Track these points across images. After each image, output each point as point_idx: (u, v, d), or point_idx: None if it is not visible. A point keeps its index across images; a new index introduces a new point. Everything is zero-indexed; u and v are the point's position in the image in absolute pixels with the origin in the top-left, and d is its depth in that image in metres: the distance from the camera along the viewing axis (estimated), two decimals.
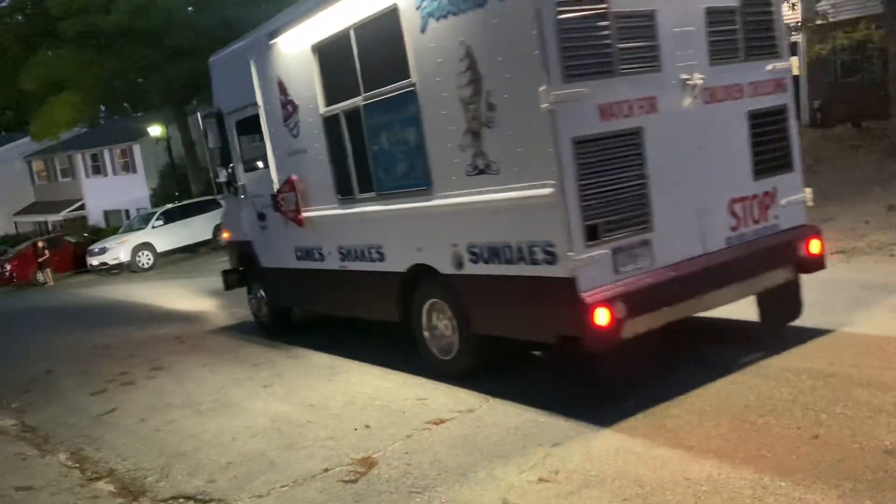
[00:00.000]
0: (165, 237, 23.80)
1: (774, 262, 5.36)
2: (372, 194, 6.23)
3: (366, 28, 5.87)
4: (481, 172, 5.03)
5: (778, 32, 5.53)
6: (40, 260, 24.94)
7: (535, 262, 4.75)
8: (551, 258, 4.61)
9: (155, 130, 29.00)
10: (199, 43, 25.44)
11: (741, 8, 5.22)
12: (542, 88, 4.38)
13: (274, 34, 7.07)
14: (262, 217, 8.16)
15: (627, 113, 4.68)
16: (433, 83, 5.26)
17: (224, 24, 23.19)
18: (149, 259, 23.28)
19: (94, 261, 23.59)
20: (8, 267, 25.62)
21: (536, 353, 5.91)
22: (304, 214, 7.27)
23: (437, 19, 5.15)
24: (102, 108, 36.75)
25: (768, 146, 5.36)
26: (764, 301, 5.65)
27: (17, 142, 41.92)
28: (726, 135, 5.18)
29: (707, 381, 4.81)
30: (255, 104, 7.67)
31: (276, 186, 7.62)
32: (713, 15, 5.09)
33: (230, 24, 23.22)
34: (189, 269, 20.05)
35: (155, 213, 24.96)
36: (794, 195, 5.48)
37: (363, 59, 5.98)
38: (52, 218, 38.04)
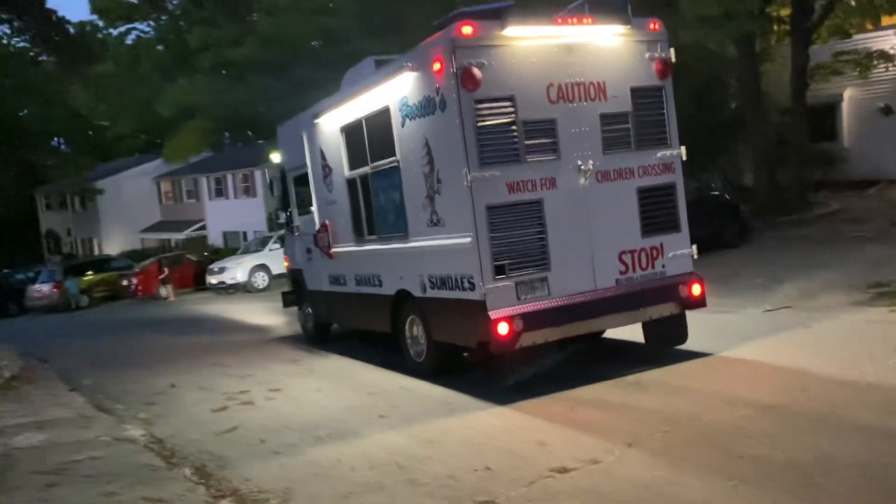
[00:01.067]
0: (280, 260, 24.60)
1: (659, 299, 7.15)
2: (374, 237, 8.57)
3: (371, 119, 8.14)
4: (435, 225, 7.17)
5: (668, 127, 7.33)
6: (162, 276, 26.35)
7: (464, 289, 6.78)
8: (472, 287, 6.63)
9: (276, 158, 30.24)
10: (323, 75, 26.55)
11: (633, 112, 7.13)
12: (464, 171, 6.43)
13: (317, 115, 9.39)
14: (308, 251, 10.68)
15: (531, 189, 6.67)
16: (409, 161, 7.45)
17: (347, 57, 24.00)
18: (264, 280, 24.12)
19: (213, 279, 24.67)
20: (134, 281, 27.16)
21: (465, 354, 7.54)
22: (334, 249, 9.69)
23: (411, 119, 7.29)
24: (227, 134, 38.76)
25: (655, 213, 7.17)
26: (650, 328, 7.50)
27: (148, 163, 44.73)
28: (617, 204, 7.06)
29: (593, 382, 6.73)
30: (305, 165, 10.14)
31: (317, 227, 10.01)
32: (607, 118, 7.03)
33: (354, 57, 23.98)
34: None
35: (272, 236, 25.89)
36: (680, 250, 7.29)
37: (370, 140, 8.27)
38: (176, 236, 40.15)
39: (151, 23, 29.20)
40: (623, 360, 7.48)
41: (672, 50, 7.43)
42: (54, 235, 49.09)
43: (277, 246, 24.78)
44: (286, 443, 6.01)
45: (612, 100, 7.10)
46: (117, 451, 6.21)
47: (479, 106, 6.52)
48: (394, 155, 7.76)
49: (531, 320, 6.57)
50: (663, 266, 7.26)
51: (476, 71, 6.51)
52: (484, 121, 6.54)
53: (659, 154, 7.30)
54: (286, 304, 12.12)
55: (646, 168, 7.23)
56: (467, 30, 6.53)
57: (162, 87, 26.84)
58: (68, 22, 13.32)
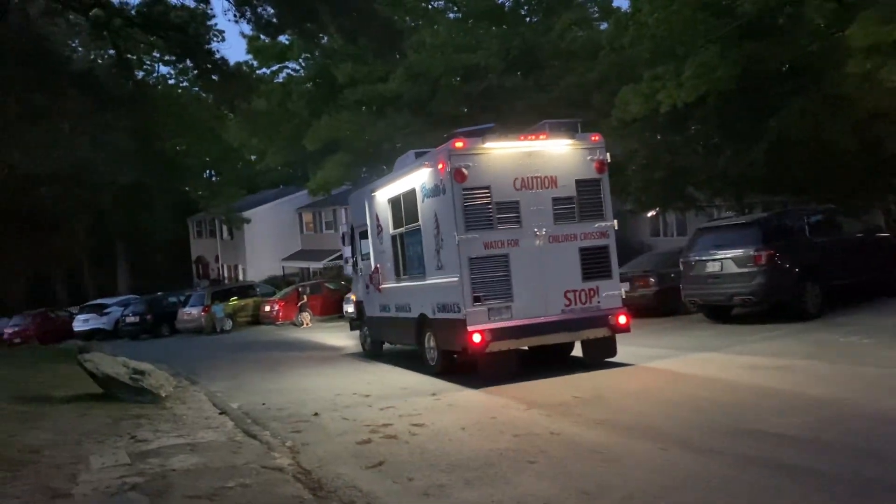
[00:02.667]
0: None
1: (594, 325, 10.24)
2: (406, 276, 12.00)
3: (406, 195, 11.62)
4: (440, 269, 10.52)
5: (604, 206, 10.39)
6: (301, 303, 27.24)
7: (453, 312, 10.11)
8: (458, 310, 9.95)
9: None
10: (462, 111, 26.91)
11: (577, 196, 10.22)
12: (455, 233, 9.84)
13: (374, 190, 13.19)
14: (367, 286, 14.24)
15: (500, 246, 9.94)
16: (426, 225, 10.90)
17: (487, 94, 24.32)
18: None
19: (348, 308, 25.20)
20: (276, 307, 28.25)
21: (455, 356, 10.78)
22: (382, 286, 13.17)
23: (427, 198, 10.78)
24: (364, 169, 39.94)
25: (593, 264, 10.24)
26: (587, 345, 10.64)
27: (291, 195, 46.92)
28: (564, 257, 10.16)
29: (542, 377, 9.88)
30: (366, 224, 13.72)
31: (372, 269, 13.57)
32: (557, 200, 10.16)
33: (492, 94, 24.31)
34: None
35: None
36: (612, 291, 10.37)
37: (405, 210, 11.71)
38: (314, 265, 41.65)
39: (301, 61, 30.74)
40: (567, 366, 10.73)
41: (608, 154, 10.48)
42: (203, 261, 52.24)
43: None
44: (435, 483, 5.78)
45: (561, 188, 10.24)
46: (266, 480, 6.20)
47: (466, 192, 9.92)
48: (417, 221, 11.27)
49: (497, 334, 9.90)
50: (598, 302, 10.32)
51: (464, 170, 9.88)
52: (469, 202, 9.94)
53: (596, 225, 10.39)
54: (352, 328, 16.58)
55: (586, 234, 10.34)
56: (459, 144, 9.99)
57: (308, 123, 28.07)
58: (227, 62, 14.06)
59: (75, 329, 33.52)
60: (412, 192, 11.27)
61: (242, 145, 41.51)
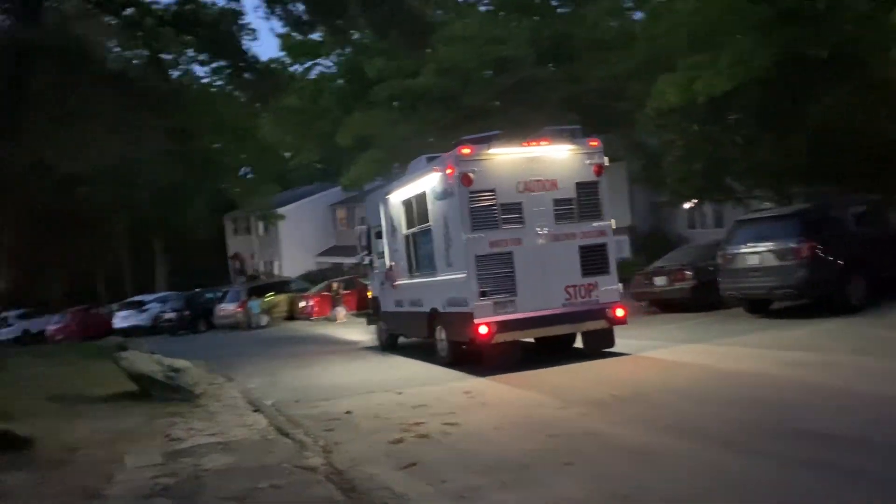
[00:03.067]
0: None
1: (593, 317, 10.87)
2: (418, 274, 12.67)
3: (417, 198, 12.25)
4: (449, 266, 11.10)
5: (602, 207, 10.98)
6: (335, 298, 27.33)
7: (462, 306, 10.76)
8: (466, 304, 10.62)
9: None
10: (493, 104, 26.71)
11: (577, 198, 10.84)
12: (462, 233, 10.50)
13: (388, 193, 13.86)
14: (382, 283, 14.79)
15: (505, 245, 10.56)
16: (436, 226, 11.52)
17: (519, 87, 24.07)
18: None
19: None
20: (311, 302, 28.39)
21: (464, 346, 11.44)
22: (397, 283, 13.75)
23: (437, 200, 11.39)
24: (396, 164, 39.92)
25: (591, 261, 10.80)
26: (587, 336, 11.31)
27: (325, 191, 47.15)
28: (565, 255, 10.77)
29: (548, 365, 10.71)
30: (381, 225, 14.36)
31: (387, 267, 14.16)
32: (558, 201, 10.79)
33: (524, 86, 24.06)
34: None
35: None
36: (610, 286, 10.95)
37: (417, 211, 12.35)
38: (347, 260, 41.80)
39: (333, 58, 30.79)
40: (570, 356, 11.32)
41: (606, 158, 11.15)
42: (240, 258, 52.77)
43: None
44: (469, 486, 5.66)
45: (562, 190, 10.88)
46: (298, 481, 6.14)
47: (472, 195, 10.59)
48: (428, 221, 11.93)
49: (503, 326, 10.54)
50: (597, 296, 10.92)
51: (470, 174, 10.52)
52: (475, 203, 10.60)
53: (594, 224, 11.00)
54: (369, 322, 16.81)
55: (585, 233, 10.95)
56: (466, 150, 10.59)
57: (340, 119, 28.12)
58: (258, 60, 14.07)
59: (115, 326, 34.11)
60: (423, 195, 12.00)
61: (276, 143, 41.83)
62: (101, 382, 12.26)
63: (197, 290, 36.79)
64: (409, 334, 14.60)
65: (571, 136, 11.04)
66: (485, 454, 6.49)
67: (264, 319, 28.89)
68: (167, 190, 40.77)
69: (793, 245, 12.46)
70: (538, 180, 10.79)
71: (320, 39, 30.00)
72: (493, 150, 10.69)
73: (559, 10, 28.41)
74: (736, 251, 13.37)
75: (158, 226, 44.72)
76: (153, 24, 13.47)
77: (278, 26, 25.34)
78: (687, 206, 24.24)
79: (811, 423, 6.34)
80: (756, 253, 13.01)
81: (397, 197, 13.30)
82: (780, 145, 17.13)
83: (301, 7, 12.63)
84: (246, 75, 13.75)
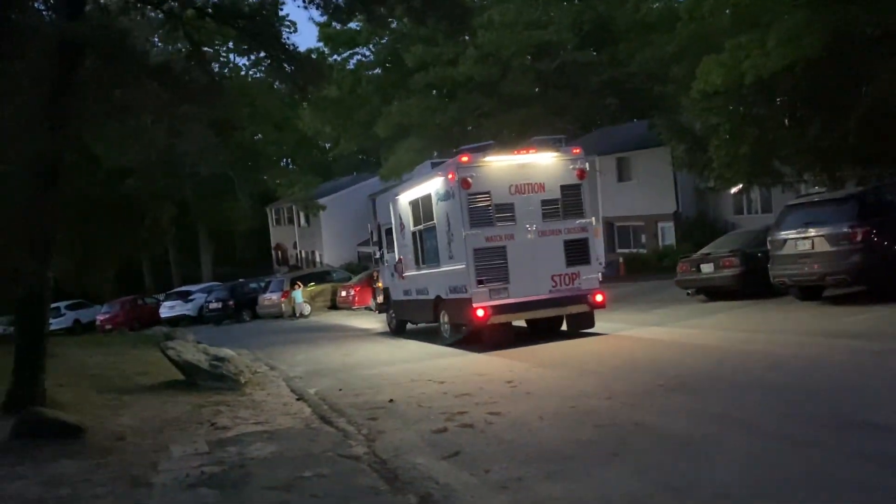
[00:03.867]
0: None
1: (576, 302, 12.49)
2: (425, 265, 14.12)
3: (423, 199, 13.79)
4: (451, 258, 12.63)
5: (584, 205, 12.66)
6: (374, 288, 27.36)
7: (462, 293, 12.28)
8: (465, 291, 12.13)
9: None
10: (534, 91, 26.43)
11: (561, 198, 12.41)
12: (462, 230, 11.99)
13: (397, 194, 15.63)
14: (392, 275, 16.34)
15: (499, 239, 12.08)
16: (439, 223, 13.04)
17: (559, 72, 23.79)
18: None
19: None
20: (352, 292, 28.54)
21: (464, 328, 12.99)
22: (405, 274, 15.31)
23: (440, 201, 12.92)
24: (435, 153, 39.85)
25: (574, 254, 12.42)
26: (570, 318, 12.99)
27: (364, 181, 47.32)
28: (551, 248, 12.34)
29: (533, 344, 12.28)
30: (391, 222, 15.91)
31: (396, 260, 15.70)
32: (545, 202, 12.34)
33: (565, 71, 23.77)
34: None
35: None
36: (590, 275, 12.56)
37: (423, 210, 13.88)
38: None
39: (371, 47, 30.79)
40: (556, 336, 13.05)
41: (587, 163, 12.80)
42: (282, 248, 53.38)
43: None
44: (513, 476, 5.57)
45: (548, 191, 12.41)
46: (342, 469, 6.13)
47: (471, 196, 12.11)
48: (433, 220, 13.50)
49: (497, 309, 12.09)
50: (579, 283, 12.49)
51: (469, 179, 12.08)
52: (473, 204, 12.13)
53: (577, 222, 12.60)
54: (380, 311, 18.58)
55: (569, 229, 12.50)
56: (465, 159, 12.25)
57: (379, 109, 28.13)
58: (299, 51, 14.04)
59: (162, 315, 34.74)
60: (428, 197, 13.63)
61: (316, 133, 42.07)
62: (148, 371, 12.49)
63: (240, 280, 37.27)
64: (416, 320, 15.98)
65: (556, 145, 12.87)
66: (529, 444, 6.39)
67: (307, 309, 29.13)
68: (211, 181, 41.37)
69: (846, 230, 12.05)
70: (528, 183, 12.38)
71: (358, 29, 30.01)
72: (488, 158, 12.39)
73: None
74: (786, 236, 13.00)
75: (203, 217, 45.43)
76: (194, 17, 13.51)
77: (317, 15, 25.46)
78: (733, 191, 23.68)
79: (870, 414, 6.11)
80: (808, 238, 12.62)
81: (405, 198, 14.99)
82: (831, 127, 16.56)
83: None
84: (286, 66, 13.72)
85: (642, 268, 26.36)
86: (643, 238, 30.34)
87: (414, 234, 14.54)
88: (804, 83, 16.69)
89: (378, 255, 17.59)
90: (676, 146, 21.64)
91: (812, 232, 12.56)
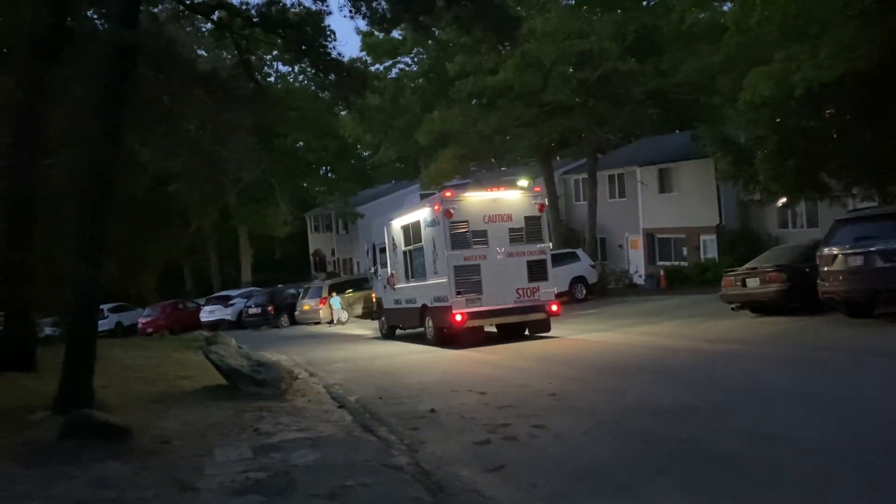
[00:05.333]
0: None
1: (535, 311, 15.32)
2: (413, 279, 16.87)
3: (413, 224, 16.67)
4: (436, 273, 15.58)
5: (543, 233, 15.74)
6: None
7: (443, 301, 15.16)
8: (447, 300, 15.02)
9: (522, 183, 30.29)
10: (574, 100, 26.26)
11: (525, 227, 15.29)
12: (445, 251, 15.00)
13: (391, 220, 18.38)
14: (384, 287, 19.15)
15: (475, 259, 14.99)
16: (427, 245, 15.93)
17: (601, 81, 23.63)
18: None
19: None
20: None
21: (444, 330, 15.62)
22: (396, 286, 18.11)
23: (427, 227, 15.90)
24: (472, 162, 39.79)
25: (535, 272, 15.24)
26: (531, 324, 15.66)
27: (403, 189, 47.48)
28: (517, 267, 15.13)
29: (501, 344, 15.19)
30: (384, 243, 18.90)
31: (389, 274, 18.66)
32: (512, 230, 15.19)
33: (608, 80, 23.59)
34: None
35: None
36: (548, 289, 15.39)
37: (413, 234, 16.70)
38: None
39: (413, 56, 30.97)
40: (519, 337, 15.65)
41: (546, 199, 16.66)
42: (320, 255, 53.81)
43: None
44: (560, 491, 5.49)
45: (515, 221, 15.21)
46: (386, 480, 6.10)
47: (452, 224, 14.88)
48: (421, 241, 16.29)
49: (472, 315, 14.84)
50: (539, 296, 15.26)
51: (451, 210, 14.89)
52: (454, 230, 14.89)
53: (538, 246, 15.43)
54: (373, 317, 21.81)
55: (531, 252, 15.28)
56: (448, 194, 15.26)
57: (420, 117, 28.24)
58: (342, 59, 14.14)
59: (202, 320, 35.20)
60: (418, 223, 16.48)
61: (357, 141, 42.38)
62: (191, 375, 12.62)
63: (279, 285, 37.62)
64: (405, 325, 18.77)
65: (521, 185, 17.35)
66: (575, 459, 6.29)
67: (345, 316, 29.30)
68: (253, 187, 41.91)
69: None
70: (498, 214, 15.22)
71: (401, 38, 30.19)
72: (467, 194, 15.54)
73: (644, 3, 27.70)
74: (837, 251, 12.68)
75: (244, 222, 46.08)
76: (241, 26, 13.70)
77: (363, 24, 25.78)
78: (779, 204, 23.24)
79: None
80: (859, 254, 12.28)
81: (398, 223, 17.93)
82: (882, 140, 16.14)
83: (385, 5, 12.59)
84: (330, 76, 13.83)
85: (684, 281, 25.97)
86: (684, 251, 29.94)
87: (405, 253, 17.38)
88: (854, 95, 16.33)
89: (373, 270, 20.85)
90: (721, 158, 21.31)
91: (864, 247, 12.23)
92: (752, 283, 15.34)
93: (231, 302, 36.22)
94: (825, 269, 12.97)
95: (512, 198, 15.48)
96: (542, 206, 15.66)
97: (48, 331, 16.68)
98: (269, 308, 33.15)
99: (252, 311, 33.81)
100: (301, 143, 49.54)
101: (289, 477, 6.09)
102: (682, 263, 28.76)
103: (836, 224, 13.46)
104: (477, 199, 15.26)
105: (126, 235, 20.95)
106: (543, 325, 15.61)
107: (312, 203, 51.10)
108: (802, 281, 14.29)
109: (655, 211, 30.87)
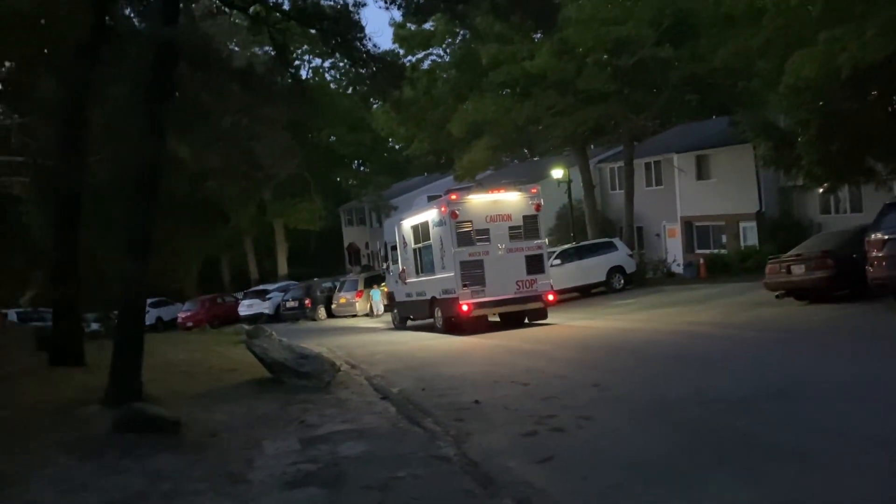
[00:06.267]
0: (560, 276, 24.39)
1: (533, 301, 16.84)
2: (423, 274, 18.61)
3: (422, 224, 18.43)
4: (443, 268, 17.24)
5: (539, 230, 17.18)
6: None
7: (451, 294, 16.83)
8: (454, 292, 16.66)
9: (557, 173, 30.05)
10: (610, 87, 25.94)
11: (523, 225, 16.85)
12: (451, 248, 16.60)
13: (402, 220, 20.36)
14: (396, 281, 20.78)
15: (478, 255, 16.53)
16: (435, 242, 17.69)
17: (638, 68, 23.31)
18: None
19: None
20: None
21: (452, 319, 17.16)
22: (407, 280, 19.72)
23: (435, 226, 17.60)
24: (506, 153, 39.62)
25: (533, 265, 16.79)
26: (529, 313, 17.24)
27: (435, 182, 47.45)
28: (516, 261, 16.69)
29: (503, 331, 16.69)
30: (395, 241, 20.52)
31: (400, 270, 20.14)
32: (511, 227, 16.77)
33: (644, 67, 23.25)
34: (581, 308, 20.11)
35: (554, 252, 25.74)
36: (544, 281, 16.90)
37: (422, 233, 18.49)
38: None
39: (446, 47, 30.87)
40: (519, 325, 17.13)
41: (542, 200, 17.37)
42: (354, 248, 54.05)
43: (558, 262, 24.62)
44: (612, 483, 5.42)
45: (514, 220, 16.75)
46: (435, 472, 6.09)
47: (457, 224, 16.41)
48: (429, 240, 17.94)
49: (477, 305, 16.41)
50: (536, 287, 16.73)
51: (457, 212, 16.40)
52: (459, 229, 16.43)
53: (535, 242, 16.91)
54: (387, 310, 24.18)
55: (528, 247, 16.78)
56: (453, 197, 16.68)
57: (454, 108, 28.16)
58: (377, 52, 14.14)
59: (241, 314, 35.61)
60: (426, 223, 18.13)
61: (390, 134, 42.43)
62: (234, 368, 12.76)
63: (315, 279, 37.89)
64: (416, 316, 20.26)
65: (520, 187, 17.41)
66: (626, 450, 6.21)
67: (381, 308, 29.42)
68: (288, 182, 42.22)
69: None
70: (499, 214, 16.72)
71: (433, 29, 30.09)
72: (470, 196, 16.95)
73: None
74: (886, 236, 12.34)
75: (279, 216, 46.46)
76: (277, 20, 13.74)
77: (398, 15, 25.84)
78: (822, 189, 22.71)
79: None
80: None
81: (408, 223, 19.63)
82: None
83: None
84: (367, 68, 13.83)
85: (724, 269, 25.56)
86: (723, 238, 29.45)
87: (414, 250, 19.08)
88: None
89: (385, 267, 22.48)
90: (762, 143, 20.87)
91: None
92: (798, 270, 15.01)
93: (268, 296, 36.58)
94: (874, 254, 12.63)
95: (511, 199, 16.98)
96: (538, 206, 17.05)
97: (93, 326, 16.98)
98: (306, 301, 33.43)
99: (289, 304, 34.12)
100: (334, 138, 49.73)
101: (339, 469, 6.12)
102: (722, 251, 28.30)
103: (885, 208, 13.09)
104: (479, 201, 16.80)
105: (167, 232, 21.23)
106: (540, 314, 17.15)
107: (346, 197, 51.34)
108: (850, 267, 13.93)
109: (693, 198, 30.39)
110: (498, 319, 17.77)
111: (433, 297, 17.89)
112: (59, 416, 8.21)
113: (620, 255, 25.81)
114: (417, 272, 18.93)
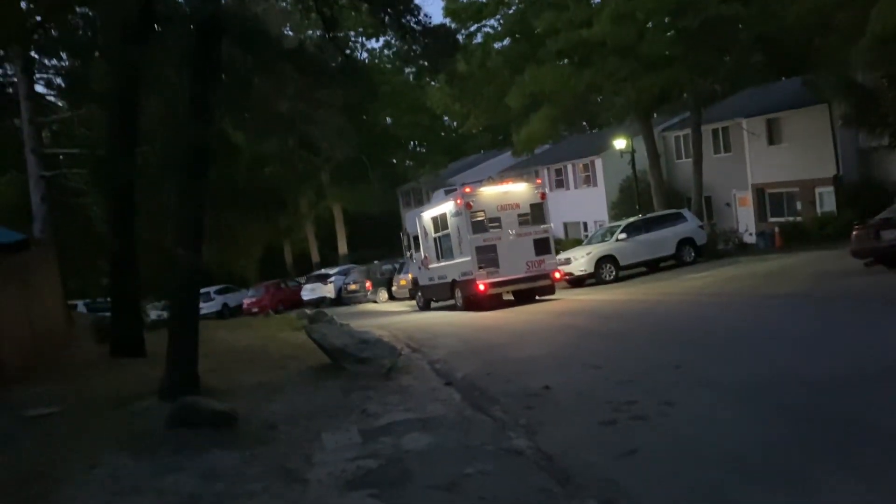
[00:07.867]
0: (628, 250, 23.54)
1: (542, 279, 19.35)
2: (443, 260, 20.93)
3: (440, 216, 20.92)
4: (462, 254, 19.58)
5: (545, 217, 19.58)
6: None
7: (469, 275, 19.15)
8: (471, 274, 19.04)
9: (620, 143, 28.98)
10: (675, 51, 24.73)
11: (531, 212, 19.31)
12: (468, 235, 19.04)
13: (422, 212, 22.85)
14: (419, 268, 22.93)
15: (492, 240, 18.98)
16: (453, 231, 20.06)
17: (703, 29, 22.05)
18: (611, 272, 23.20)
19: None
20: None
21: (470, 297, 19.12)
22: (429, 266, 21.83)
23: (452, 217, 19.98)
24: (563, 126, 38.52)
25: (540, 247, 19.28)
26: (538, 290, 19.63)
27: (492, 159, 46.72)
28: (525, 244, 19.18)
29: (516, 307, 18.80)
30: (417, 231, 22.73)
31: (423, 257, 22.27)
32: (520, 215, 19.25)
33: (710, 27, 21.97)
34: (651, 283, 19.30)
35: (619, 225, 24.84)
36: (551, 261, 19.65)
37: (441, 223, 20.89)
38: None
39: (499, 17, 29.96)
40: (531, 300, 19.21)
41: (547, 189, 23.03)
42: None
43: (624, 236, 23.74)
44: (707, 480, 4.80)
45: (522, 208, 19.01)
46: (506, 467, 5.58)
47: (472, 214, 18.76)
48: (447, 229, 20.15)
49: (492, 285, 18.62)
50: (544, 267, 19.03)
51: (471, 203, 18.77)
52: (474, 219, 18.73)
53: (542, 227, 19.18)
54: (411, 297, 26.33)
55: (536, 232, 19.06)
56: (468, 190, 19.31)
57: (510, 81, 27.37)
58: (430, 25, 13.53)
59: (304, 298, 35.77)
60: (444, 214, 20.33)
61: (446, 111, 41.80)
62: (295, 355, 12.48)
63: (375, 262, 37.76)
64: (438, 298, 22.29)
65: (526, 179, 20.36)
66: (718, 441, 5.58)
67: None
68: (345, 165, 42.09)
69: None
70: (509, 204, 18.89)
71: (484, 1, 29.26)
72: (482, 189, 19.27)
73: None
74: None
75: (338, 201, 46.47)
76: None
77: None
78: None
79: None
80: None
81: (428, 215, 21.77)
82: None
83: None
84: (420, 40, 13.24)
85: (801, 238, 24.22)
86: (798, 205, 27.94)
87: (435, 239, 21.22)
88: None
89: (408, 255, 24.77)
90: (842, 103, 19.52)
91: None
92: (888, 234, 13.88)
93: (330, 279, 36.62)
94: None
95: (519, 189, 19.32)
96: (543, 195, 19.53)
97: (154, 315, 17.02)
98: (367, 284, 33.30)
99: (350, 287, 34.07)
100: (390, 120, 49.37)
101: (402, 465, 5.66)
102: (797, 219, 26.86)
103: None
104: (491, 193, 19.07)
105: (227, 219, 21.21)
106: (549, 290, 19.42)
107: (403, 179, 51.02)
108: None
109: (765, 164, 28.90)
110: (512, 298, 19.75)
111: (453, 280, 20.03)
112: (114, 410, 8.00)
113: (690, 226, 24.67)
114: (438, 258, 21.12)
